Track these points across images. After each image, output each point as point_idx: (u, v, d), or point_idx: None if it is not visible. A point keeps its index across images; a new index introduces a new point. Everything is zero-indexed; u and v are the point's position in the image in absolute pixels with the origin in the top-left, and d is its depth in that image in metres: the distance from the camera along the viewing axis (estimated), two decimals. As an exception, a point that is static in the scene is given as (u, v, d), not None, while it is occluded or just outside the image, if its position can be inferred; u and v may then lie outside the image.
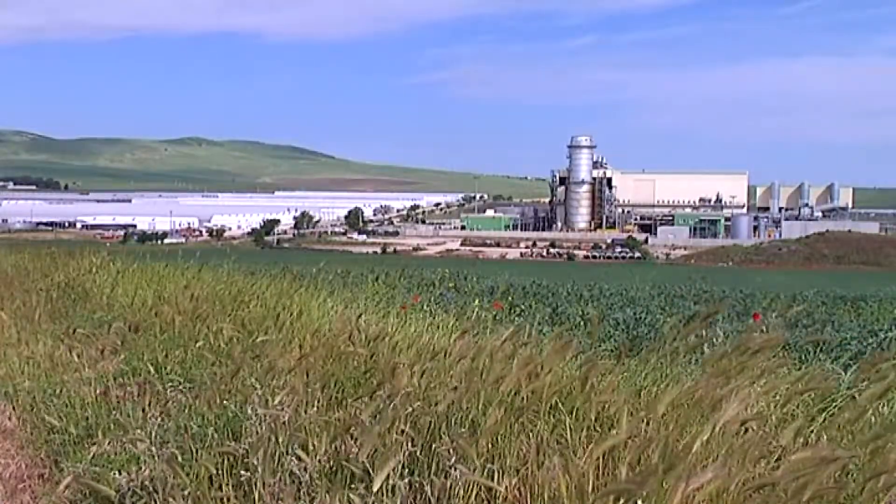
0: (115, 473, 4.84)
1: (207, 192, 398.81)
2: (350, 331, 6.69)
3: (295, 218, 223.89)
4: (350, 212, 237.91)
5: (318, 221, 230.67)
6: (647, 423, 4.18)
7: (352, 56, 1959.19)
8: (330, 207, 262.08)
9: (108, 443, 5.41)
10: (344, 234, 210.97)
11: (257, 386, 5.25)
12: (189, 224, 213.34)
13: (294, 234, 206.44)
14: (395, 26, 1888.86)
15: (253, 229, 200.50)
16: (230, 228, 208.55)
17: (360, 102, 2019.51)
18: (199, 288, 10.60)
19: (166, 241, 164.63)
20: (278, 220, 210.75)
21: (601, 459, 3.86)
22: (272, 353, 6.14)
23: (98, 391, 6.47)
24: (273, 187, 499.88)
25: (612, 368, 5.24)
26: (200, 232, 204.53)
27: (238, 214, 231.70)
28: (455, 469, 4.06)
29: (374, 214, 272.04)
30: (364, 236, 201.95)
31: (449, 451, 4.20)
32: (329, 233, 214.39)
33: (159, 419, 5.53)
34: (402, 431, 4.36)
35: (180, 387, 6.44)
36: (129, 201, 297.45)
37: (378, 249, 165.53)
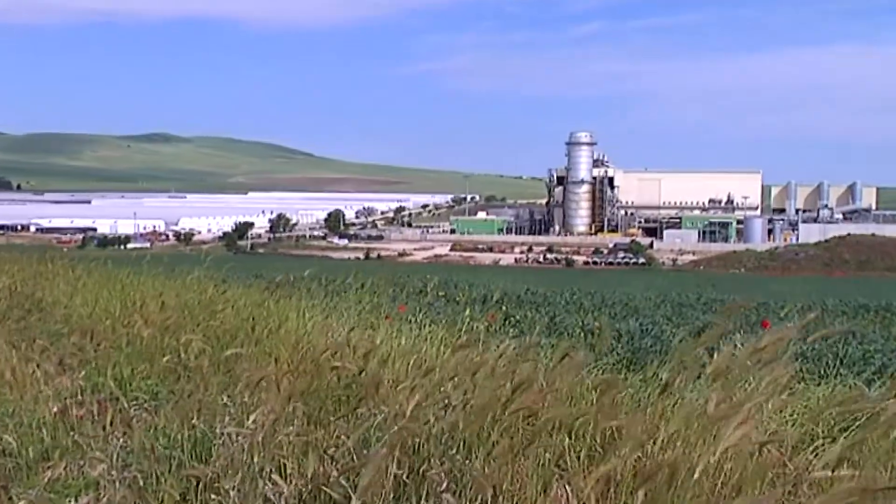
0: (70, 500, 4.81)
1: (175, 193, 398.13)
2: (331, 343, 6.67)
3: (270, 221, 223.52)
4: (330, 214, 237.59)
5: (295, 224, 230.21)
6: (654, 444, 4.17)
7: (336, 45, 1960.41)
8: (308, 209, 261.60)
9: (65, 466, 5.37)
10: (324, 238, 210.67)
11: (229, 403, 5.23)
12: (155, 227, 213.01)
13: (269, 239, 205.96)
14: (386, 12, 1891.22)
15: (225, 233, 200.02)
16: (200, 232, 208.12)
17: (343, 95, 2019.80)
18: (166, 297, 10.56)
19: (130, 245, 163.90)
20: (252, 223, 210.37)
21: (603, 484, 3.85)
22: (246, 367, 6.11)
23: (55, 409, 6.44)
24: (246, 187, 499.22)
25: (615, 384, 5.23)
26: (167, 236, 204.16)
27: (208, 217, 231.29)
28: (446, 497, 4.05)
29: (357, 217, 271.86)
30: (346, 241, 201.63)
31: (441, 476, 4.18)
32: (307, 237, 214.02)
33: (121, 440, 5.49)
34: (390, 454, 4.34)
35: (145, 404, 6.40)
36: (89, 202, 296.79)
37: (361, 255, 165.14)
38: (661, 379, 4.86)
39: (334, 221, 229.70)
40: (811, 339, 5.39)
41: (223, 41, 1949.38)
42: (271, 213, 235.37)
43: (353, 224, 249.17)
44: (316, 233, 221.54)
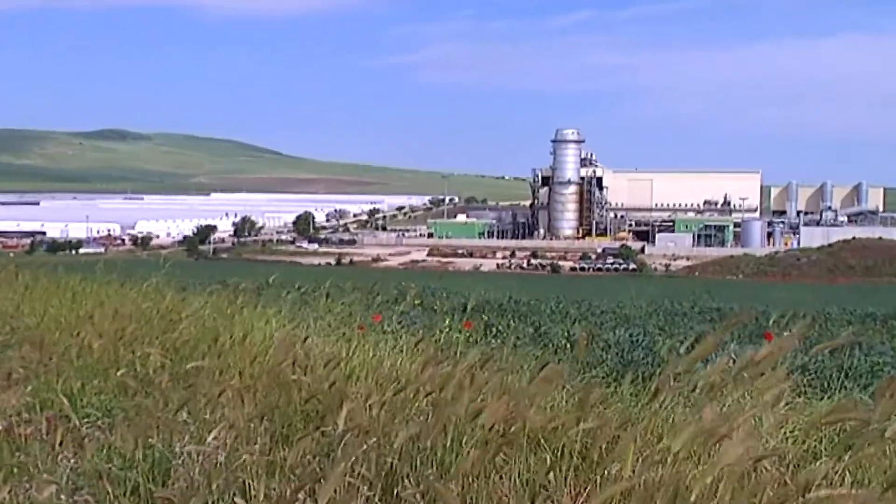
0: (17, 526, 4.78)
1: (131, 194, 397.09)
2: (299, 356, 6.66)
3: (234, 224, 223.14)
4: (299, 217, 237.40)
5: (261, 228, 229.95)
6: (641, 462, 4.18)
7: (305, 35, 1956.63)
8: (276, 212, 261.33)
9: (10, 490, 5.33)
10: (292, 242, 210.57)
11: (189, 420, 5.21)
12: (109, 231, 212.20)
13: (234, 243, 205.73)
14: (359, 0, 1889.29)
15: (185, 237, 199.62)
16: (158, 236, 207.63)
17: (313, 90, 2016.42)
18: (121, 306, 10.52)
19: (82, 250, 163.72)
20: (215, 227, 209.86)
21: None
22: (207, 381, 6.10)
23: None
24: (209, 188, 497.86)
25: (602, 398, 5.24)
26: (123, 240, 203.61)
27: (168, 220, 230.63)
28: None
29: (328, 220, 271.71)
30: (316, 245, 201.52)
31: (414, 497, 4.18)
32: (275, 241, 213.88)
33: (72, 460, 5.46)
34: (359, 473, 4.34)
35: (98, 422, 6.37)
36: (37, 204, 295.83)
37: (332, 260, 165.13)
38: (650, 392, 4.87)
39: (303, 225, 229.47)
40: (815, 350, 5.39)
41: (184, 30, 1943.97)
42: (236, 215, 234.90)
43: (324, 227, 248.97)
44: (284, 237, 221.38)
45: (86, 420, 6.39)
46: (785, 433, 5.08)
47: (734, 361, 4.72)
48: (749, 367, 4.57)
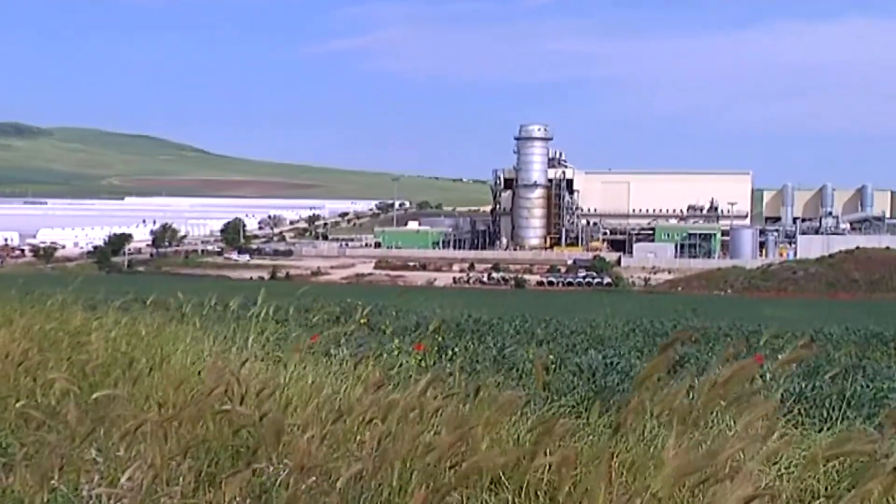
0: None
1: (32, 198, 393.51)
2: (228, 383, 6.64)
3: (153, 232, 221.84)
4: (228, 224, 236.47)
5: (184, 237, 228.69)
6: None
7: (233, 16, 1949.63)
8: (200, 218, 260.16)
9: None
10: (220, 253, 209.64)
11: (99, 458, 5.17)
12: (6, 240, 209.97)
13: (152, 255, 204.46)
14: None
15: (95, 247, 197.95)
16: (64, 246, 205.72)
17: (243, 79, 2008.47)
18: (21, 326, 10.44)
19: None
20: (130, 236, 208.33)
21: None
22: (121, 413, 6.06)
23: None
24: (123, 191, 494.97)
25: (571, 430, 5.26)
26: (22, 251, 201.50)
27: (74, 228, 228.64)
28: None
29: (260, 228, 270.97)
30: (247, 257, 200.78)
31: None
32: (200, 252, 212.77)
33: (-35, 504, 5.42)
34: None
35: (-6, 460, 6.32)
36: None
37: (266, 274, 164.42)
38: (616, 422, 4.90)
39: (233, 233, 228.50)
40: (829, 376, 5.45)
41: (92, 11, 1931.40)
42: (154, 222, 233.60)
43: (256, 237, 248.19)
44: (210, 247, 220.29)
45: (-21, 459, 6.34)
46: (779, 469, 5.12)
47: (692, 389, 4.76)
48: (710, 390, 4.60)
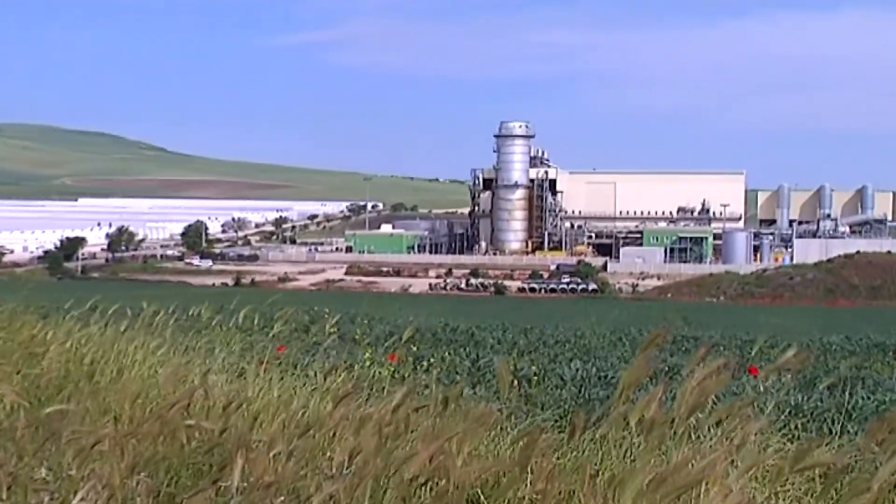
0: None
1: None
2: (190, 396, 6.63)
3: (109, 236, 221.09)
4: (189, 227, 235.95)
5: (142, 241, 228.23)
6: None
7: (196, 4, 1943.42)
8: (159, 221, 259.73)
9: None
10: (180, 258, 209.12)
11: (50, 477, 5.15)
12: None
13: (108, 259, 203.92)
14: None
15: (47, 252, 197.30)
16: (12, 251, 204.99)
17: (205, 72, 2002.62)
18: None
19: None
20: (84, 239, 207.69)
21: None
22: (75, 428, 6.05)
23: None
24: (76, 192, 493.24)
25: (554, 445, 5.28)
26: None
27: (24, 231, 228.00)
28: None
29: (224, 231, 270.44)
30: (209, 262, 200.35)
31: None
32: (159, 257, 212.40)
33: None
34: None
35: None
36: None
37: (229, 280, 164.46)
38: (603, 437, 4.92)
39: (194, 237, 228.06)
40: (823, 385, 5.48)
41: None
42: (110, 225, 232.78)
43: (220, 240, 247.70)
44: (170, 252, 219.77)
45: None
46: (776, 487, 5.13)
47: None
48: (689, 400, 4.62)
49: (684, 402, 4.67)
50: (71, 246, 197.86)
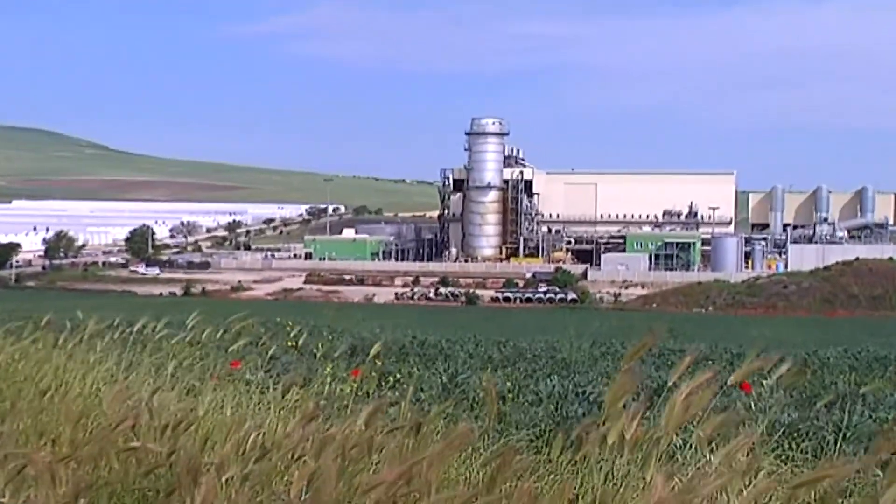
0: None
1: None
2: (135, 416, 6.61)
3: (46, 241, 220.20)
4: (134, 232, 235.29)
5: (82, 247, 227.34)
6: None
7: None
8: (102, 225, 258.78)
9: None
10: (125, 265, 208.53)
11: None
12: None
13: (45, 267, 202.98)
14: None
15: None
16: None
17: (153, 64, 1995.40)
18: None
19: None
20: (18, 245, 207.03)
21: None
22: (7, 452, 6.02)
23: None
24: (10, 194, 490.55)
25: (530, 467, 5.28)
26: None
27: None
28: None
29: (172, 236, 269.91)
30: (156, 270, 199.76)
31: None
32: (101, 264, 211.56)
33: None
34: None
35: None
36: None
37: (178, 289, 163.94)
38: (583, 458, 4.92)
39: (140, 242, 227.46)
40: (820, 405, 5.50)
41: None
42: (47, 230, 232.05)
43: (168, 246, 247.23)
44: (114, 259, 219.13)
45: None
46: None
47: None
48: (675, 417, 4.63)
49: (670, 420, 4.68)
50: (4, 253, 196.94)
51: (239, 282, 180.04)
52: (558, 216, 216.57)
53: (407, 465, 4.69)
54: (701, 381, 4.80)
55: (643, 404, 4.81)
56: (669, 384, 4.98)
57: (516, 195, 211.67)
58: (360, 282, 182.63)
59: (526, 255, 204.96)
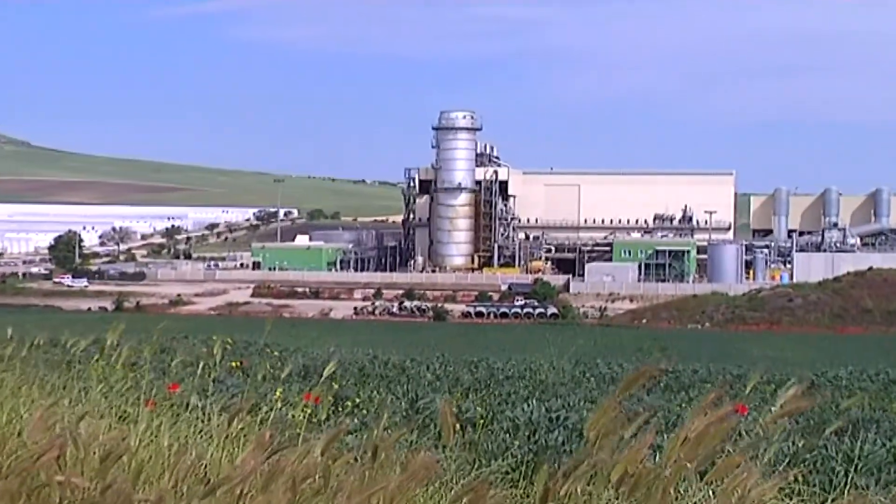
0: None
1: None
2: (60, 446, 6.59)
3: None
4: (59, 239, 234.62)
5: (0, 255, 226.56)
6: None
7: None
8: (22, 231, 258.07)
9: None
10: (48, 276, 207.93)
11: None
12: None
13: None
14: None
15: None
16: None
17: (78, 51, 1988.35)
18: None
19: None
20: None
21: None
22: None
23: None
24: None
25: (505, 503, 5.28)
26: None
27: None
28: None
29: (103, 244, 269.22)
30: (84, 281, 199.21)
31: None
32: (21, 275, 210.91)
33: None
34: None
35: None
36: None
37: (109, 304, 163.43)
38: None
39: (65, 251, 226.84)
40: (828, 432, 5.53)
41: None
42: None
43: (97, 255, 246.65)
44: (36, 269, 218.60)
45: None
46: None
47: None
48: (679, 447, 4.64)
49: (675, 455, 4.67)
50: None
51: (178, 295, 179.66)
52: (537, 221, 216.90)
53: (364, 496, 4.69)
54: (721, 414, 4.79)
55: (650, 436, 4.82)
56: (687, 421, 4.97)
57: (490, 198, 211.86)
58: (315, 295, 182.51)
59: (501, 265, 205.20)
